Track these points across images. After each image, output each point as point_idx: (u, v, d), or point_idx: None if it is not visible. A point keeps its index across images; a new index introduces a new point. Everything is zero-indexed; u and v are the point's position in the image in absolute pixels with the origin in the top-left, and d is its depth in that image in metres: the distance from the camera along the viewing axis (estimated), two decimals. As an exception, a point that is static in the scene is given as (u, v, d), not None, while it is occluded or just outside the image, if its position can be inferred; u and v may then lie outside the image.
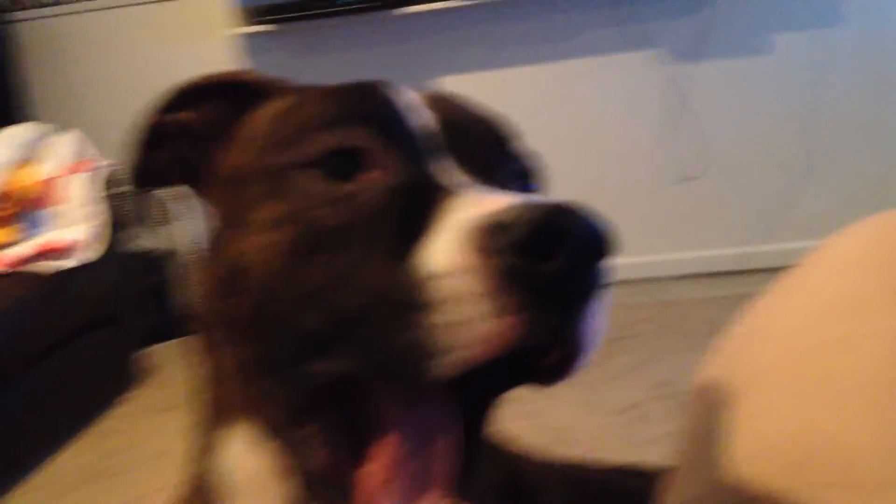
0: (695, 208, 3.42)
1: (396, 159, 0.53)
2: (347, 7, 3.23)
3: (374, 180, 0.52)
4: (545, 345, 0.46)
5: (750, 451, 0.44)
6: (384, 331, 0.47)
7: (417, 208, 0.50)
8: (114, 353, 2.80)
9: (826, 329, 0.44)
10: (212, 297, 0.57)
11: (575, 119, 3.42)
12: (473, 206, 0.47)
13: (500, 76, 3.44)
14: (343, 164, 0.53)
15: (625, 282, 3.42)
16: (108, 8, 3.65)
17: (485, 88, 3.43)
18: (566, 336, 0.46)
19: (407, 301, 0.46)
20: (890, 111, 3.24)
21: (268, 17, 3.31)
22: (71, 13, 3.68)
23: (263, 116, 0.61)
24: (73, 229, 2.67)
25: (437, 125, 0.57)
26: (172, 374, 3.01)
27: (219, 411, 0.63)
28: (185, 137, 0.66)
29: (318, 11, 3.25)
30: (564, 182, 3.55)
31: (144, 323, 3.25)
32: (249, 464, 0.59)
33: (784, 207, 3.37)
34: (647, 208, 3.44)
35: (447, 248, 0.45)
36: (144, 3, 3.62)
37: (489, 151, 0.58)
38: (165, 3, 3.61)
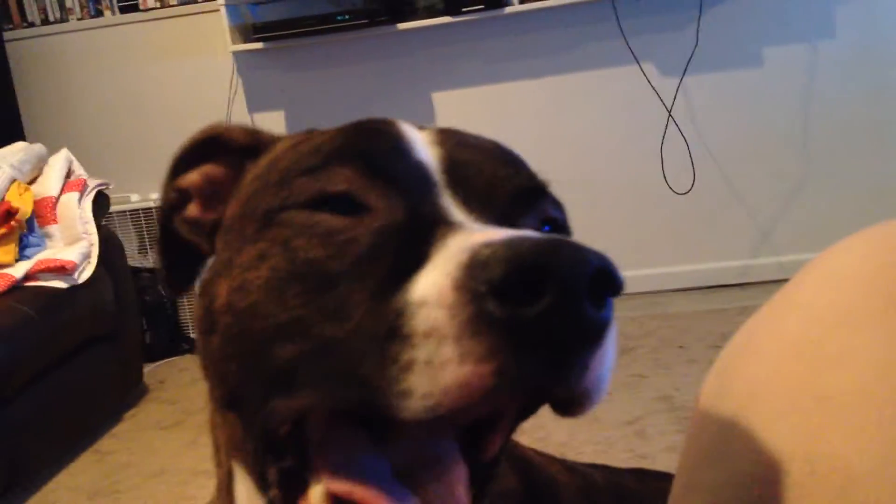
0: (692, 221, 3.42)
1: (388, 199, 0.49)
2: (346, 23, 3.24)
3: (362, 218, 0.49)
4: (540, 390, 0.42)
5: (748, 473, 0.44)
6: (350, 364, 0.43)
7: (404, 244, 0.46)
8: (114, 371, 2.80)
9: (820, 344, 0.44)
10: (197, 338, 0.57)
11: (573, 132, 3.43)
12: (461, 241, 0.43)
13: (497, 90, 3.46)
14: (331, 205, 0.50)
15: (624, 295, 3.41)
16: (102, 27, 3.67)
17: (481, 102, 3.45)
18: (562, 382, 0.41)
19: (376, 334, 0.42)
20: (884, 121, 3.25)
21: (266, 34, 3.32)
22: (65, 32, 3.71)
23: (259, 165, 0.60)
24: (68, 250, 2.68)
25: (441, 162, 0.53)
26: (174, 391, 3.00)
27: (222, 447, 0.63)
28: (196, 199, 0.66)
29: (317, 28, 3.27)
30: (563, 197, 3.56)
31: (144, 340, 3.26)
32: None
33: (781, 219, 3.37)
34: (645, 221, 3.44)
35: (423, 285, 0.41)
36: (140, 22, 3.64)
37: (498, 188, 0.53)
38: (163, 21, 3.63)
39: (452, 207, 0.49)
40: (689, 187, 3.32)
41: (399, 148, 0.53)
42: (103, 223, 2.91)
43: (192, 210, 0.66)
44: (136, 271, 3.39)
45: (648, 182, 3.37)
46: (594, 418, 2.30)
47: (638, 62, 3.27)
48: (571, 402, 0.45)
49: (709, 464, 0.47)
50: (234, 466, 0.61)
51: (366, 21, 3.24)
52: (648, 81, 3.28)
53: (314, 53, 3.53)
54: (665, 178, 3.33)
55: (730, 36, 3.28)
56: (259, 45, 3.37)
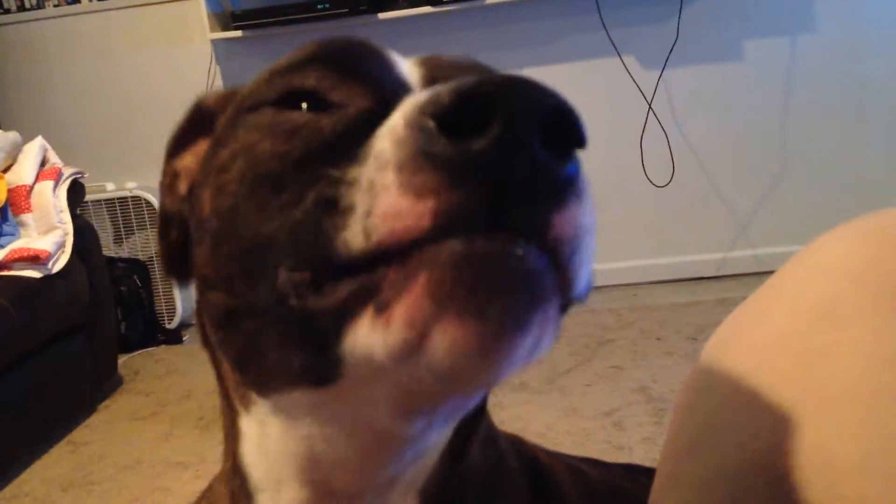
0: (671, 214, 3.44)
1: (358, 97, 0.47)
2: (327, 12, 3.22)
3: (329, 114, 0.46)
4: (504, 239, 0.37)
5: (733, 465, 0.43)
6: (308, 201, 0.41)
7: (370, 129, 0.42)
8: (87, 362, 2.77)
9: (806, 338, 0.44)
10: (194, 265, 0.54)
11: (553, 125, 3.43)
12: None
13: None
14: (299, 103, 0.48)
15: (602, 287, 3.42)
16: (79, 14, 3.63)
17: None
18: (532, 235, 0.37)
19: (331, 166, 0.41)
20: (862, 114, 3.28)
21: (246, 23, 3.30)
22: (41, 19, 3.66)
23: (241, 91, 0.58)
24: (42, 239, 2.64)
25: (420, 79, 0.50)
26: (149, 382, 2.98)
27: (227, 401, 0.60)
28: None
29: (297, 16, 3.24)
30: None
31: (119, 330, 3.23)
32: (263, 460, 0.56)
33: (759, 212, 3.39)
34: (623, 214, 3.45)
35: (384, 128, 0.40)
36: (117, 9, 3.60)
37: None
38: (141, 8, 3.59)
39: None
40: (668, 180, 3.33)
41: (376, 54, 0.51)
42: (78, 212, 2.88)
43: (182, 187, 0.64)
44: (111, 261, 3.36)
45: (628, 174, 3.38)
46: (572, 409, 2.31)
47: (619, 54, 3.27)
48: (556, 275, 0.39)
49: (693, 457, 0.47)
50: (237, 429, 0.58)
51: (346, 10, 3.22)
52: (629, 74, 3.28)
53: (294, 42, 3.43)
54: (644, 170, 3.34)
55: (710, 29, 3.28)
56: (238, 34, 3.34)
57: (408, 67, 0.51)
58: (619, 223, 3.44)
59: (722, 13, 3.27)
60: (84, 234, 2.79)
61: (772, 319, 0.47)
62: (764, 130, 3.33)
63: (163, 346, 3.35)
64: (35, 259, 2.54)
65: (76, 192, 2.86)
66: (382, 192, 0.37)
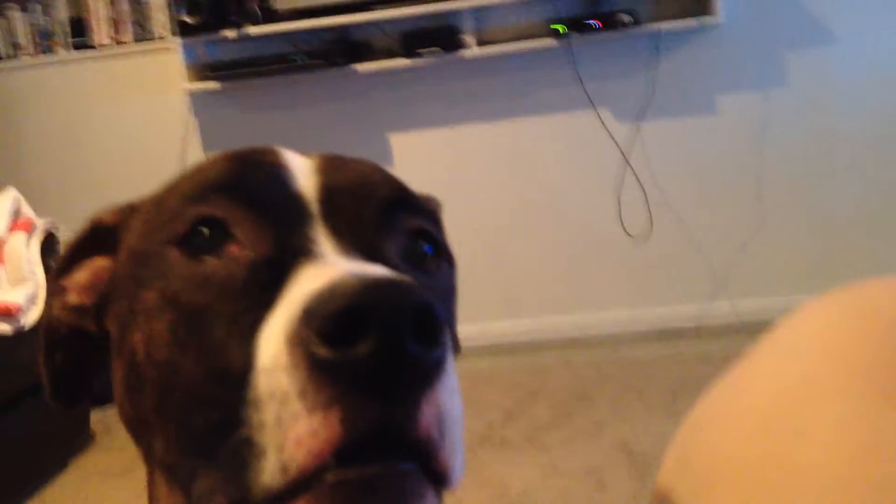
0: (650, 266, 3.45)
1: (260, 229, 0.50)
2: (303, 64, 3.23)
3: (236, 255, 0.49)
4: (389, 440, 0.41)
5: None
6: (221, 431, 0.44)
7: (271, 285, 0.46)
8: (59, 418, 2.72)
9: (784, 418, 0.43)
10: (121, 396, 0.55)
11: (530, 176, 3.45)
12: (303, 286, 0.43)
13: (454, 133, 3.46)
14: (208, 238, 0.50)
15: (581, 340, 3.42)
16: (53, 64, 3.61)
17: (439, 145, 3.45)
18: (404, 421, 0.41)
19: (237, 397, 0.43)
20: (835, 168, 3.32)
21: (222, 74, 3.30)
22: (15, 69, 3.63)
23: (143, 208, 0.59)
24: (12, 292, 2.60)
25: (318, 191, 0.53)
26: (122, 438, 2.92)
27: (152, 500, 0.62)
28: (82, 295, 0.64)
29: (273, 68, 3.25)
30: (519, 240, 3.55)
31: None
32: None
33: (737, 264, 3.41)
34: (601, 266, 3.46)
35: (269, 340, 0.42)
36: (93, 59, 3.58)
37: (364, 211, 0.54)
38: (117, 59, 3.58)
39: (321, 238, 0.50)
40: (645, 233, 3.34)
41: (276, 178, 0.54)
42: (52, 265, 2.85)
43: (73, 297, 0.64)
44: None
45: (605, 227, 3.39)
46: (552, 466, 2.28)
47: (595, 107, 3.30)
48: (426, 451, 0.42)
49: None
50: None
51: (322, 62, 3.23)
52: (605, 127, 3.31)
53: (270, 94, 3.51)
54: (622, 222, 3.35)
55: (685, 83, 3.32)
56: (215, 85, 3.35)
57: (306, 175, 0.55)
58: (596, 275, 3.45)
59: (696, 67, 3.31)
60: (55, 287, 2.75)
61: (751, 399, 0.47)
62: (739, 183, 3.36)
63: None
64: (6, 312, 2.50)
65: (50, 245, 2.83)
66: (292, 423, 0.40)
